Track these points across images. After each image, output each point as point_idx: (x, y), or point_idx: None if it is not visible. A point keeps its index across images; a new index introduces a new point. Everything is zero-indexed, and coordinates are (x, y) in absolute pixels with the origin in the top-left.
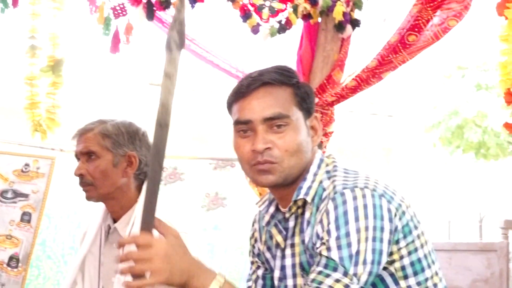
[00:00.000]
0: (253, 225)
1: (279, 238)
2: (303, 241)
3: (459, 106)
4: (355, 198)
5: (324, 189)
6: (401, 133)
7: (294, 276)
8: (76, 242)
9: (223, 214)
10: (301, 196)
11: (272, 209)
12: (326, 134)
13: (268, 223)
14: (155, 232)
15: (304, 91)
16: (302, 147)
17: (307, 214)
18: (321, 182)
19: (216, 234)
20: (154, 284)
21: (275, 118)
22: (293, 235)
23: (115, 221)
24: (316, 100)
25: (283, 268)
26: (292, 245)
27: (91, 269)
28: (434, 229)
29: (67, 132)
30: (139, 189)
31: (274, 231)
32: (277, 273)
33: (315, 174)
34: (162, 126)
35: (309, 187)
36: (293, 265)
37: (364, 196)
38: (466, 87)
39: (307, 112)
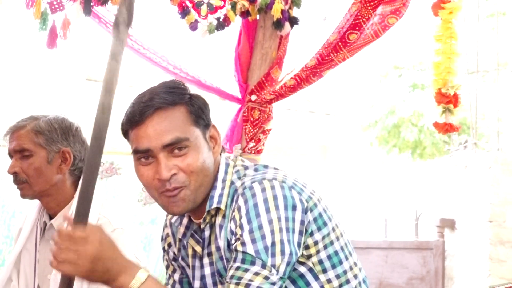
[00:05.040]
0: (164, 230)
1: (198, 248)
2: (218, 248)
3: (395, 105)
4: (263, 190)
5: (236, 190)
6: (338, 131)
7: (215, 284)
8: (11, 231)
9: (160, 208)
10: (214, 205)
11: (185, 220)
12: (264, 132)
13: (184, 234)
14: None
15: (198, 106)
16: (205, 164)
17: (218, 219)
18: (232, 183)
19: (153, 228)
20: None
21: (174, 143)
22: (209, 244)
23: (51, 217)
24: (254, 97)
25: (203, 278)
26: (209, 254)
27: (26, 266)
28: (370, 227)
29: (2, 128)
30: (75, 185)
31: (191, 242)
32: (197, 284)
33: (224, 180)
34: (105, 109)
35: (221, 195)
36: (213, 274)
37: (273, 187)
38: (403, 86)
39: (205, 126)
